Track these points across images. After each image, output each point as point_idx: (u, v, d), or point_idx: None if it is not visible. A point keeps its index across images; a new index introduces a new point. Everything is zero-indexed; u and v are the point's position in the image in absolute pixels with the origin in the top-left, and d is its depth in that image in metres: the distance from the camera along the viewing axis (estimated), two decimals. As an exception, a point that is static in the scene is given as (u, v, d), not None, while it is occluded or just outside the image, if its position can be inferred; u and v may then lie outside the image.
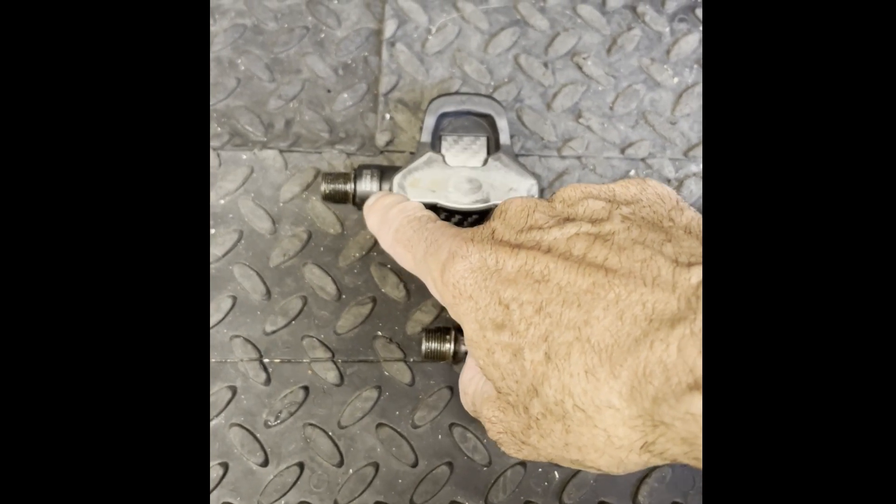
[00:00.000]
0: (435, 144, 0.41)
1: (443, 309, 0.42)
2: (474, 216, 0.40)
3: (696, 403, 0.20)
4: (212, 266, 0.42)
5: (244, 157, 0.44)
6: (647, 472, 0.40)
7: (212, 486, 0.38)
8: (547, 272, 0.24)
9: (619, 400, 0.22)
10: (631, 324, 0.22)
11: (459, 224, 0.40)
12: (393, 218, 0.33)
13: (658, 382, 0.21)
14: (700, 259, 0.23)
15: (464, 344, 0.38)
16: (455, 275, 0.27)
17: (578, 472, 0.40)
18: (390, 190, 0.39)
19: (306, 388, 0.40)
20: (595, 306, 0.23)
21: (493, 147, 0.41)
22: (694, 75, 0.47)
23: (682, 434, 0.21)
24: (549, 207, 0.28)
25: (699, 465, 0.22)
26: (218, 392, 0.40)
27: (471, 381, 0.31)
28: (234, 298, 0.41)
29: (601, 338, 0.23)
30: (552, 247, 0.25)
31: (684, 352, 0.21)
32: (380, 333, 0.41)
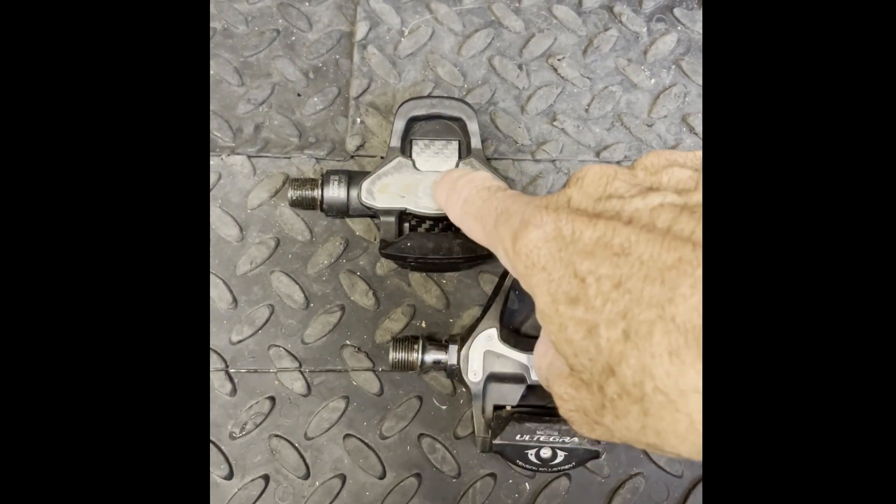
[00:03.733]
0: (405, 149, 0.40)
1: (412, 317, 0.41)
2: (445, 222, 0.39)
3: None
4: (178, 274, 0.41)
5: (212, 162, 0.43)
6: (621, 483, 0.39)
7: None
8: (628, 245, 0.23)
9: None
10: None
11: (428, 231, 0.39)
12: (461, 188, 0.32)
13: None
14: None
15: (430, 353, 0.37)
16: (528, 244, 0.25)
17: (549, 483, 0.39)
18: (358, 196, 0.39)
19: (272, 399, 0.39)
20: (681, 283, 0.21)
21: (465, 151, 0.40)
22: (671, 76, 0.46)
23: None
24: (630, 175, 0.26)
25: None
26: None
27: (544, 355, 0.29)
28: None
29: (688, 317, 0.21)
30: (634, 217, 0.23)
31: None
32: (348, 342, 0.40)
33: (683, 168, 0.25)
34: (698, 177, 0.24)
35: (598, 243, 0.23)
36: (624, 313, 0.22)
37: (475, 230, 0.30)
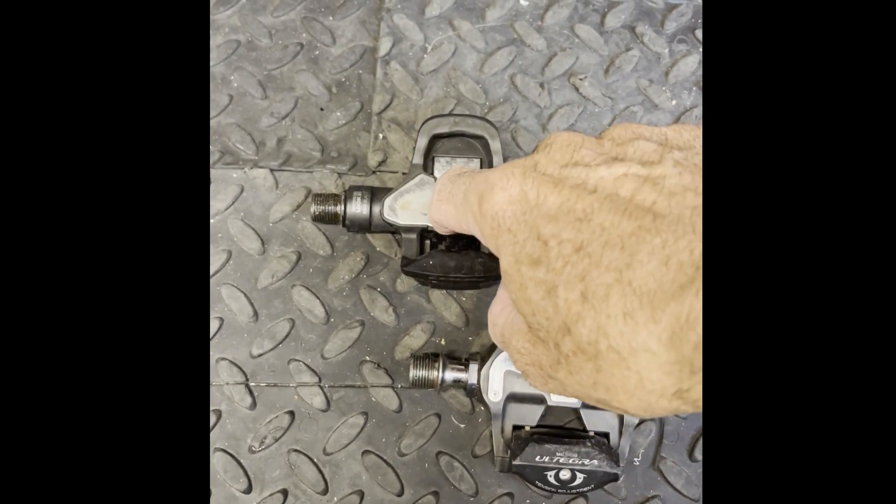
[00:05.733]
0: (427, 166, 0.40)
1: (432, 334, 0.41)
2: (465, 240, 0.39)
3: None
4: (199, 286, 0.41)
5: (234, 175, 0.43)
6: (638, 505, 0.39)
7: (194, 511, 0.38)
8: (590, 211, 0.24)
9: (658, 345, 0.22)
10: (676, 270, 0.22)
11: (449, 249, 0.39)
12: (437, 183, 0.33)
13: (702, 330, 0.20)
14: None
15: (450, 371, 0.37)
16: (494, 205, 0.26)
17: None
18: (381, 212, 0.39)
19: (292, 413, 0.39)
20: (639, 250, 0.22)
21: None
22: (693, 98, 0.46)
23: None
24: (597, 145, 0.27)
25: None
26: (202, 415, 0.39)
27: (501, 313, 0.30)
28: (221, 320, 0.41)
29: (644, 282, 0.22)
30: (598, 186, 0.24)
31: None
32: (367, 358, 0.41)
33: (649, 142, 0.26)
34: (662, 150, 0.25)
35: (561, 208, 0.24)
36: (583, 276, 0.23)
37: (448, 213, 0.31)
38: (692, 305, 0.21)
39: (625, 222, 0.23)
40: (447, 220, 0.31)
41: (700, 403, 0.22)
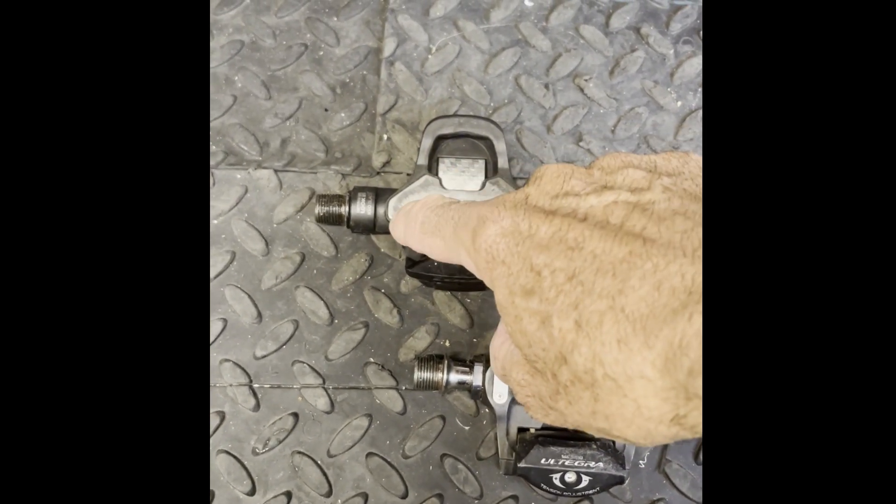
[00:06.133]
0: (432, 167, 0.40)
1: (437, 336, 0.41)
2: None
3: None
4: (203, 287, 0.41)
5: (238, 176, 0.43)
6: (643, 508, 0.39)
7: (197, 513, 0.38)
8: (581, 239, 0.24)
9: (653, 370, 0.22)
10: (669, 295, 0.22)
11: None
12: (416, 213, 0.32)
13: (695, 355, 0.20)
14: None
15: (455, 373, 0.37)
16: (487, 239, 0.26)
17: (572, 506, 0.39)
18: (385, 213, 0.39)
19: (296, 415, 0.39)
20: (631, 276, 0.22)
21: (492, 170, 0.40)
22: (698, 99, 0.46)
23: None
24: (586, 174, 0.27)
25: None
26: (206, 417, 0.39)
27: (501, 346, 0.30)
28: (225, 321, 0.41)
29: (636, 307, 0.22)
30: (588, 214, 0.25)
31: None
32: (372, 360, 0.40)
33: (638, 169, 0.26)
34: (651, 177, 0.26)
35: (553, 238, 0.25)
36: (576, 304, 0.23)
37: (436, 246, 0.31)
38: (685, 330, 0.21)
39: (616, 248, 0.23)
40: (434, 252, 0.31)
41: (698, 429, 0.22)
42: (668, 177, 0.26)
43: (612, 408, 0.23)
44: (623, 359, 0.22)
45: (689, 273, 0.22)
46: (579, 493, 0.36)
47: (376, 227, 0.39)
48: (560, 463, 0.35)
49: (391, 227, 0.36)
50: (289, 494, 0.38)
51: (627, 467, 0.36)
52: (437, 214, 0.31)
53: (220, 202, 0.43)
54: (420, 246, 0.32)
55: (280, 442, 0.39)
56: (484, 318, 0.41)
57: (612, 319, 0.22)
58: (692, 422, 0.22)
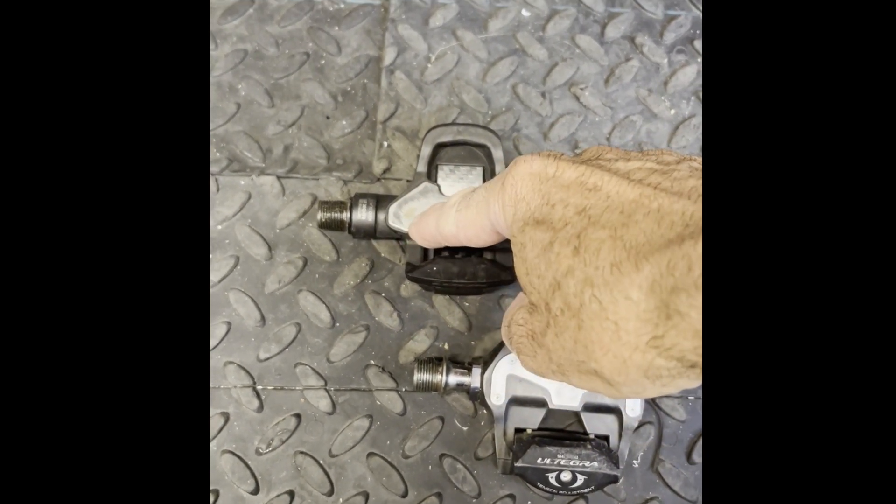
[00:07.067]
0: (431, 174, 0.41)
1: (436, 339, 0.42)
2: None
3: None
4: (207, 291, 0.42)
5: (242, 182, 0.44)
6: (637, 507, 0.40)
7: (202, 512, 0.39)
8: (600, 183, 0.26)
9: (638, 293, 0.23)
10: (667, 228, 0.23)
11: (453, 255, 0.40)
12: (451, 202, 0.34)
13: (680, 273, 0.22)
14: None
15: (454, 375, 0.38)
16: (515, 177, 0.28)
17: (568, 505, 0.40)
18: (385, 219, 0.40)
19: (298, 416, 0.40)
20: (636, 211, 0.24)
21: (489, 177, 0.41)
22: (691, 107, 0.47)
23: (696, 325, 0.21)
24: (623, 152, 0.29)
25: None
26: (210, 418, 0.40)
27: (511, 306, 0.32)
28: (229, 324, 0.42)
29: (634, 237, 0.24)
30: (613, 168, 0.27)
31: None
32: (372, 362, 0.41)
33: (671, 154, 0.28)
34: (682, 159, 0.28)
35: (575, 181, 0.27)
36: (579, 233, 0.25)
37: (469, 219, 0.32)
38: (674, 253, 0.22)
39: (629, 191, 0.25)
40: (467, 226, 0.32)
41: (676, 351, 0.23)
42: (699, 163, 0.27)
43: (593, 334, 0.24)
44: (613, 280, 0.23)
45: (689, 210, 0.23)
46: (574, 492, 0.37)
47: (377, 232, 0.40)
48: (556, 462, 0.36)
49: (413, 229, 0.36)
50: (291, 493, 0.39)
51: (621, 466, 0.37)
52: (464, 196, 0.33)
53: (224, 208, 0.44)
54: (455, 227, 0.33)
55: (283, 442, 0.40)
56: (482, 322, 0.42)
57: (611, 247, 0.24)
58: (669, 342, 0.22)
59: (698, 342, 0.22)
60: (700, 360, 0.22)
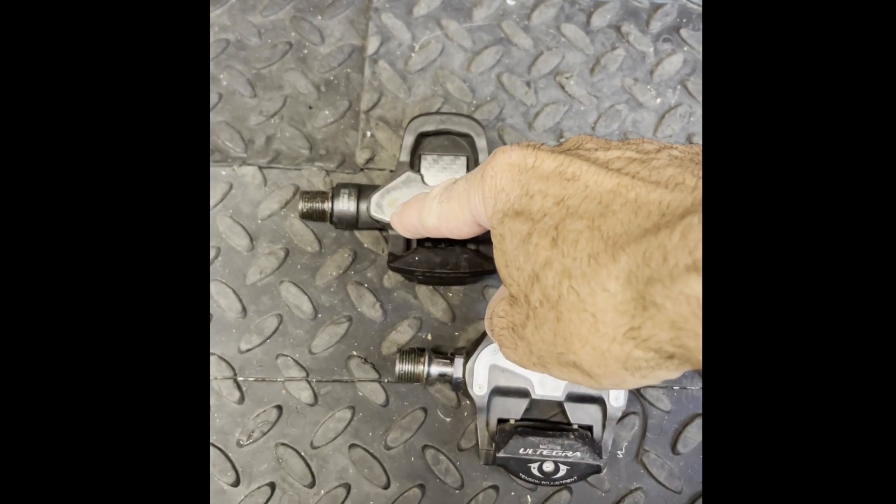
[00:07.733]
0: (414, 164, 0.41)
1: (419, 329, 0.41)
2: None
3: (691, 284, 0.20)
4: (188, 283, 0.42)
5: (223, 173, 0.44)
6: (621, 497, 0.40)
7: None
8: (579, 173, 0.26)
9: (615, 284, 0.23)
10: (644, 218, 0.23)
11: (435, 245, 0.39)
12: (433, 193, 0.33)
13: (655, 264, 0.21)
14: None
15: (436, 366, 0.38)
16: (494, 168, 0.28)
17: (551, 496, 0.39)
18: (367, 209, 0.39)
19: (280, 408, 0.40)
20: (614, 202, 0.24)
21: (473, 167, 0.41)
22: (677, 96, 0.46)
23: (672, 317, 0.21)
24: (603, 142, 0.29)
25: (683, 354, 0.22)
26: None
27: (493, 298, 0.32)
28: (210, 316, 0.41)
29: (612, 228, 0.23)
30: (592, 158, 0.27)
31: (687, 236, 0.21)
32: (355, 353, 0.41)
33: (652, 143, 0.28)
34: (662, 147, 0.27)
35: (554, 171, 0.26)
36: (557, 224, 0.25)
37: (451, 210, 0.32)
38: (650, 243, 0.22)
39: (607, 181, 0.25)
40: (449, 218, 0.32)
41: (653, 342, 0.22)
42: (679, 151, 0.27)
43: (572, 326, 0.24)
44: (590, 272, 0.23)
45: (665, 200, 0.23)
46: (557, 483, 0.36)
47: (359, 222, 0.40)
48: (538, 453, 0.35)
49: (396, 218, 0.36)
50: (273, 485, 0.39)
51: (605, 457, 0.36)
52: (445, 188, 0.32)
53: (206, 198, 0.43)
54: (437, 220, 0.33)
55: (264, 434, 0.40)
56: (465, 312, 0.42)
57: (588, 238, 0.24)
58: (646, 333, 0.22)
59: (674, 333, 0.22)
60: (678, 351, 0.22)
